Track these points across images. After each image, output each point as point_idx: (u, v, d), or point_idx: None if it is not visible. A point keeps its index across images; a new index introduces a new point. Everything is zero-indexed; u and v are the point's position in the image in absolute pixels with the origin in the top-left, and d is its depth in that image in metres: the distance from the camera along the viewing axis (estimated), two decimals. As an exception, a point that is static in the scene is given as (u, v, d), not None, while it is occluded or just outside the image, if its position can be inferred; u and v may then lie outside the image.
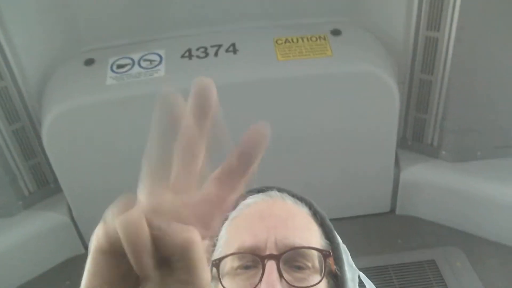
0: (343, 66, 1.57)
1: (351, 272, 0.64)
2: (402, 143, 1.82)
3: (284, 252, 0.55)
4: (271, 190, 0.65)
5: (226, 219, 0.64)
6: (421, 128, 1.78)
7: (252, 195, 0.65)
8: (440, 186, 1.77)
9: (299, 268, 0.56)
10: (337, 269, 0.61)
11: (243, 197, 0.65)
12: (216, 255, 0.62)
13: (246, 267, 0.56)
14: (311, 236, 0.60)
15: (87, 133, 1.64)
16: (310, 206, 0.65)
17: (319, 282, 0.56)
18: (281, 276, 0.54)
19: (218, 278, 0.57)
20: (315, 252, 0.58)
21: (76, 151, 1.68)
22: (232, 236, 0.61)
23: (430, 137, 1.78)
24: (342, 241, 0.66)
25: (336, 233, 0.64)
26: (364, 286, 0.69)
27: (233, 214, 0.64)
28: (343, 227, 0.65)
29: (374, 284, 0.78)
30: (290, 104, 1.62)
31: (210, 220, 0.30)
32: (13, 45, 1.57)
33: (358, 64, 1.58)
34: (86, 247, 1.95)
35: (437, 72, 1.62)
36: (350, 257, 0.65)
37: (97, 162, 1.70)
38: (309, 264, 0.57)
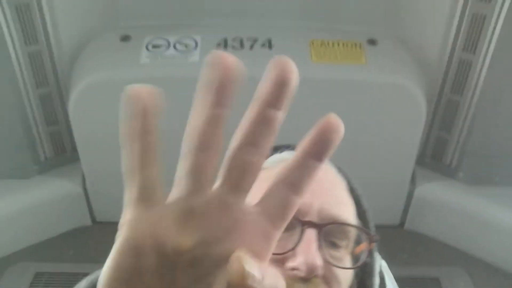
0: (375, 75, 1.58)
1: (377, 260, 0.60)
2: (420, 160, 1.83)
3: (328, 224, 0.50)
4: None
5: None
6: (441, 148, 1.79)
7: (288, 150, 0.59)
8: (453, 206, 1.78)
9: (334, 246, 0.51)
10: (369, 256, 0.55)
11: (277, 150, 0.59)
12: None
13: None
14: (350, 212, 0.55)
15: (114, 108, 1.61)
16: (348, 180, 0.60)
17: (355, 267, 0.52)
18: (319, 248, 0.48)
19: None
20: (354, 232, 0.53)
21: (100, 124, 1.68)
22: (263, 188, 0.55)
23: (449, 157, 1.79)
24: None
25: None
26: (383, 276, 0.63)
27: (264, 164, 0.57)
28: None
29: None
30: (316, 106, 1.60)
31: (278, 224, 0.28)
32: (53, 9, 1.58)
33: (390, 75, 1.58)
34: (94, 220, 1.96)
35: (466, 94, 1.63)
36: None
37: (119, 139, 1.70)
38: (345, 244, 0.52)
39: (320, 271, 0.48)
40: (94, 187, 1.86)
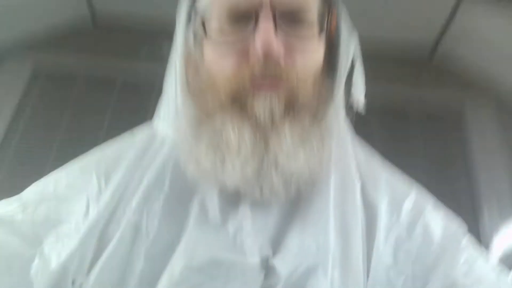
0: None
1: (348, 32, 0.59)
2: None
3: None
4: None
5: None
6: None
7: None
8: (496, 36, 1.59)
9: (297, 22, 0.53)
10: (335, 30, 0.58)
11: None
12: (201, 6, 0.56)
13: (238, 20, 0.52)
14: None
15: None
16: None
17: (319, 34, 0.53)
18: (276, 26, 0.50)
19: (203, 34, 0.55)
20: (315, 7, 0.54)
21: None
22: None
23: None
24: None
25: None
26: None
27: None
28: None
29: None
30: None
31: None
32: None
33: None
34: (95, 24, 1.78)
35: None
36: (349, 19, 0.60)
37: None
38: (309, 17, 0.53)
39: (277, 49, 0.49)
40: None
